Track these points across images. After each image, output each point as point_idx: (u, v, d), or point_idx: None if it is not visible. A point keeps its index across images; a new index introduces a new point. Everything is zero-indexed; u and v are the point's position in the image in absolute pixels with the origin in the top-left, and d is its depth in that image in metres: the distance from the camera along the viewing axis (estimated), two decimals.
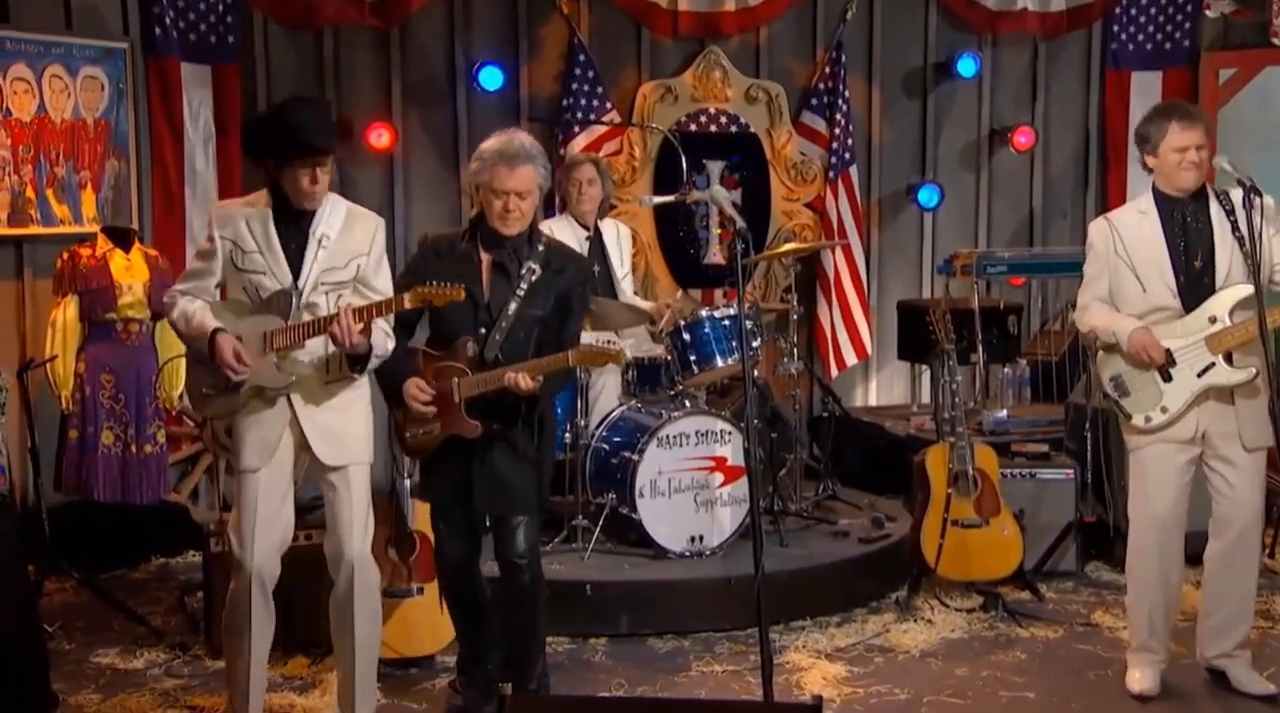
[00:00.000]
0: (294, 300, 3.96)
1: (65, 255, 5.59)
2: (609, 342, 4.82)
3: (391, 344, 4.08)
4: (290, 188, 3.96)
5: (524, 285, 4.05)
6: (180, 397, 5.90)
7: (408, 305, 3.91)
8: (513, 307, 4.04)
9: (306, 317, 3.97)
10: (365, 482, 4.14)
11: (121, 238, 5.70)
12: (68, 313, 5.54)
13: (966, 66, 7.63)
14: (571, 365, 4.01)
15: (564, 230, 5.61)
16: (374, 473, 4.21)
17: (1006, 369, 7.03)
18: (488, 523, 4.27)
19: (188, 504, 6.31)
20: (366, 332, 3.92)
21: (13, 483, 5.50)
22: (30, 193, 5.99)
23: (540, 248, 4.11)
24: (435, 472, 4.20)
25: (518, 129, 4.10)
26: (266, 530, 4.02)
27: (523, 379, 3.94)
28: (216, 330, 3.96)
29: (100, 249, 5.61)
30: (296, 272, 3.99)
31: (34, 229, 6.03)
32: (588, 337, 4.69)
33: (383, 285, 4.11)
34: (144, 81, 6.45)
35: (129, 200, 6.37)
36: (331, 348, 4.00)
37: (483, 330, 4.07)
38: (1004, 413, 6.71)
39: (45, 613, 5.20)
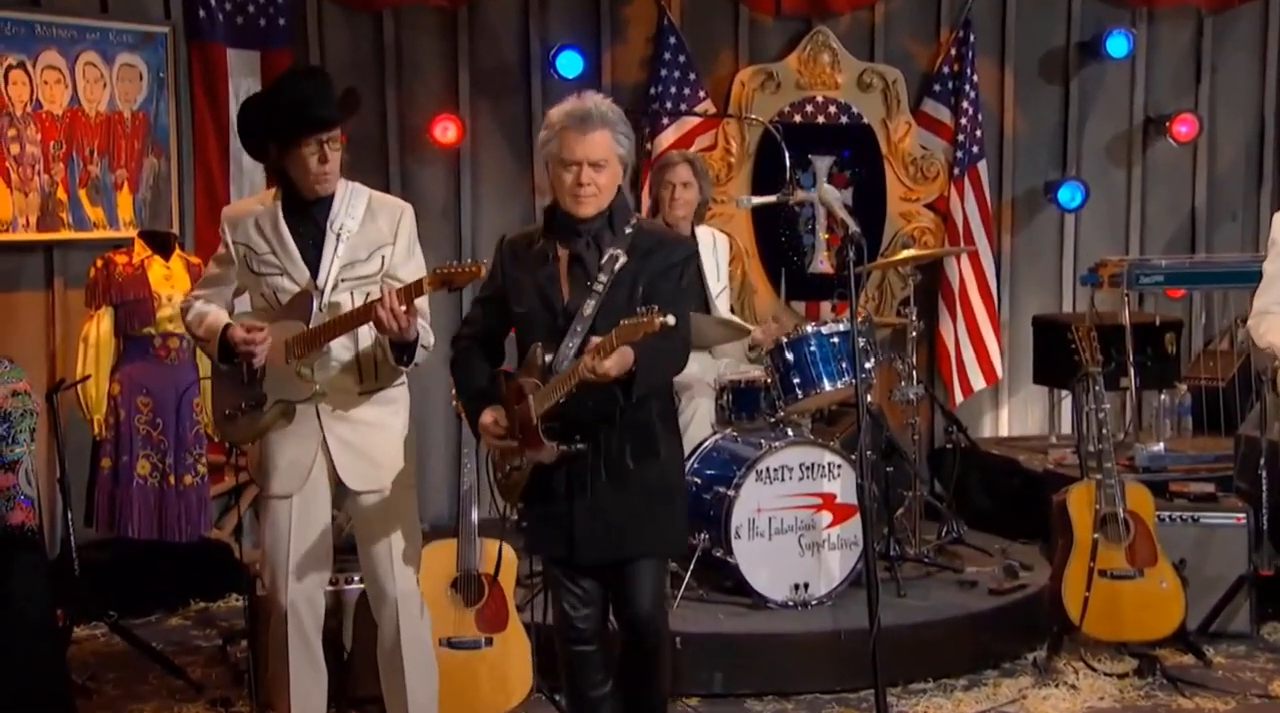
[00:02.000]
0: (314, 302, 4.00)
1: (99, 263, 5.71)
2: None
3: (431, 339, 4.05)
4: (298, 173, 3.98)
5: (604, 277, 3.77)
6: None
7: (425, 288, 3.82)
8: (590, 306, 3.76)
9: (329, 319, 3.99)
10: (405, 508, 4.14)
11: (161, 244, 5.81)
12: (101, 328, 5.65)
13: (1117, 45, 7.53)
14: (616, 343, 3.55)
15: None
16: (435, 505, 4.24)
17: (1163, 395, 6.92)
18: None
19: (231, 542, 6.38)
20: (413, 314, 3.89)
21: (42, 518, 5.62)
22: (61, 194, 6.13)
23: (627, 232, 3.83)
24: (537, 516, 3.94)
25: (593, 93, 3.93)
26: (302, 564, 4.04)
27: (599, 360, 3.56)
28: (228, 325, 4.04)
29: (137, 257, 5.73)
30: (315, 269, 4.02)
31: (65, 234, 6.17)
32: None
33: (414, 276, 4.03)
34: (186, 70, 6.59)
35: (169, 202, 6.50)
36: (364, 346, 4.02)
37: (561, 341, 3.80)
38: (1160, 446, 6.60)
39: (74, 663, 5.28)
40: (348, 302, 4.03)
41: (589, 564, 3.89)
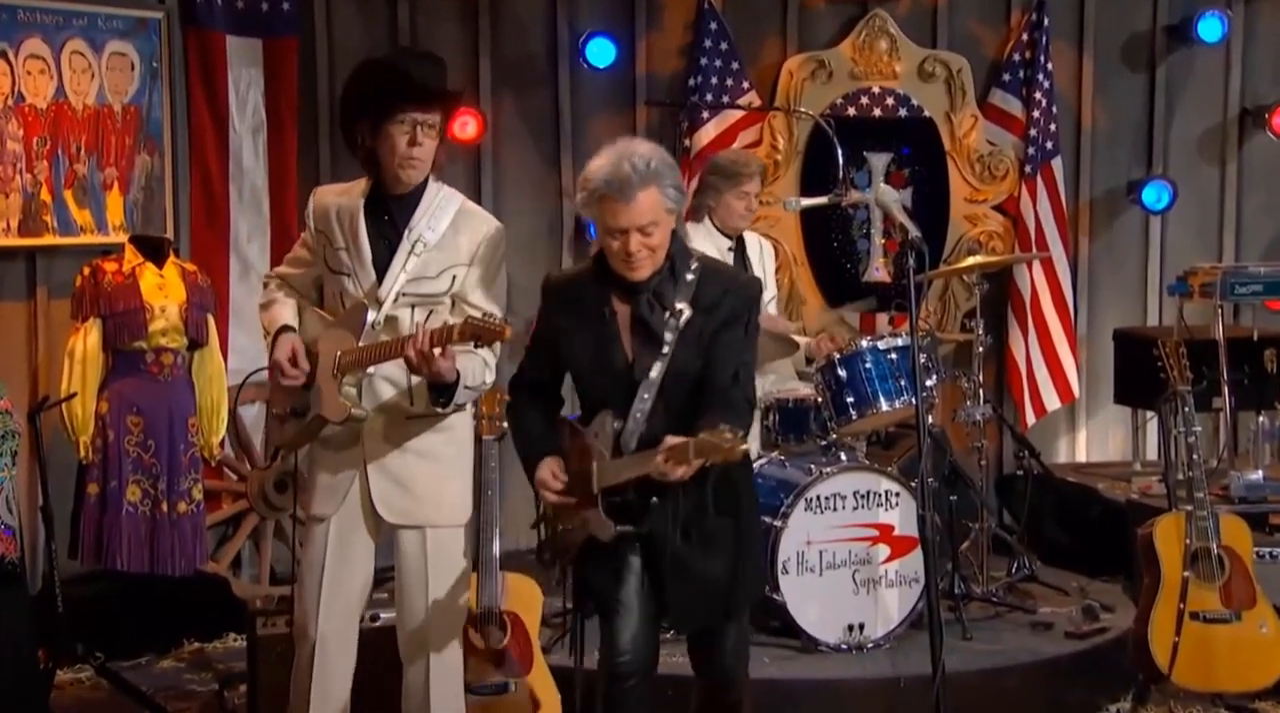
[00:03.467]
0: (369, 314, 3.99)
1: (86, 271, 5.74)
2: None
3: (490, 376, 4.07)
4: (386, 154, 3.97)
5: (670, 337, 3.79)
6: (221, 444, 6.02)
7: (455, 337, 3.81)
8: (655, 370, 3.78)
9: (385, 337, 3.99)
10: (450, 553, 4.12)
11: (153, 250, 5.84)
12: (88, 341, 5.67)
13: (1210, 29, 7.49)
14: (693, 456, 3.55)
15: (701, 240, 5.55)
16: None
17: (1262, 418, 6.84)
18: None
19: (229, 576, 6.42)
20: (447, 356, 3.87)
21: (23, 549, 5.64)
22: (46, 195, 6.15)
23: (689, 277, 3.84)
24: (598, 568, 3.93)
25: (631, 138, 3.87)
26: (337, 591, 4.06)
27: (672, 467, 3.60)
28: (284, 327, 4.07)
29: (128, 263, 5.75)
30: (382, 277, 4.03)
31: (49, 239, 6.19)
32: None
33: (484, 303, 4.06)
34: (182, 59, 6.62)
35: (163, 204, 6.53)
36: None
37: (628, 405, 3.81)
38: (1259, 475, 6.52)
39: (57, 709, 5.27)
40: (407, 319, 4.03)
41: (675, 627, 4.02)
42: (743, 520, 3.94)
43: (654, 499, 3.80)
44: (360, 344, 3.99)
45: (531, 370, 4.05)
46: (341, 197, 4.12)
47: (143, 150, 6.46)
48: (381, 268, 4.03)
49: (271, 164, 6.81)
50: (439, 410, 4.03)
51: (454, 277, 4.06)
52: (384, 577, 4.35)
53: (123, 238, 6.04)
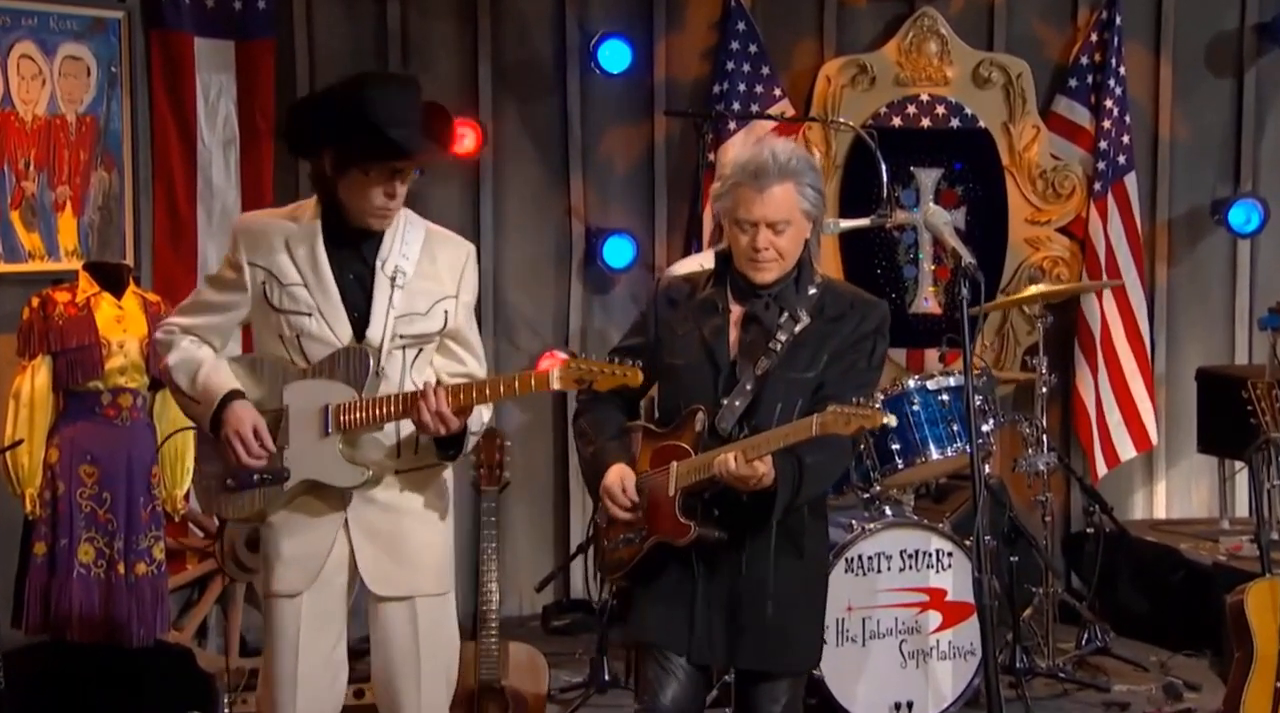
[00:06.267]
0: (371, 361, 3.96)
1: (35, 302, 5.74)
2: None
3: (488, 415, 4.09)
4: (355, 201, 3.95)
5: (784, 337, 4.00)
6: (186, 496, 6.02)
7: (555, 385, 3.84)
8: (763, 365, 3.99)
9: (383, 386, 3.97)
10: (443, 623, 4.11)
11: (111, 278, 5.85)
12: (37, 381, 5.68)
13: None
14: (816, 434, 3.79)
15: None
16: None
17: None
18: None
19: (193, 647, 6.42)
20: (465, 413, 3.92)
21: None
22: None
23: (811, 292, 4.06)
24: (649, 594, 4.08)
25: (774, 135, 4.10)
26: (314, 684, 4.03)
27: (735, 461, 3.82)
28: (233, 393, 3.96)
29: (82, 293, 5.77)
30: (361, 315, 3.99)
31: None
32: None
33: (476, 341, 4.13)
34: (144, 64, 6.65)
35: (122, 227, 6.56)
36: (407, 425, 4.00)
37: (724, 399, 4.00)
38: None
39: None
40: (399, 363, 4.01)
41: (704, 663, 4.08)
42: (804, 571, 4.06)
43: (722, 535, 3.94)
44: (364, 395, 3.95)
45: None
46: (286, 225, 4.02)
47: (99, 166, 6.49)
48: (356, 306, 4.00)
49: (245, 182, 6.84)
50: (446, 461, 4.05)
51: (446, 312, 4.07)
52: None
53: (76, 265, 6.04)
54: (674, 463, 3.97)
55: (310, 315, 3.99)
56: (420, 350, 4.05)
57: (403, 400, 3.92)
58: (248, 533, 6.35)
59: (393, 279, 4.00)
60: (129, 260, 6.41)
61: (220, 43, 6.78)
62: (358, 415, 3.94)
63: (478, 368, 4.17)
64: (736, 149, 4.04)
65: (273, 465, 3.98)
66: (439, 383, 3.99)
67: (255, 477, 4.00)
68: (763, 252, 3.97)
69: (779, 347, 3.99)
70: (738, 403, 3.98)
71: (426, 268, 4.05)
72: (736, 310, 4.07)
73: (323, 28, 7.10)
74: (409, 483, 4.06)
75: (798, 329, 4.00)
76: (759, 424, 3.95)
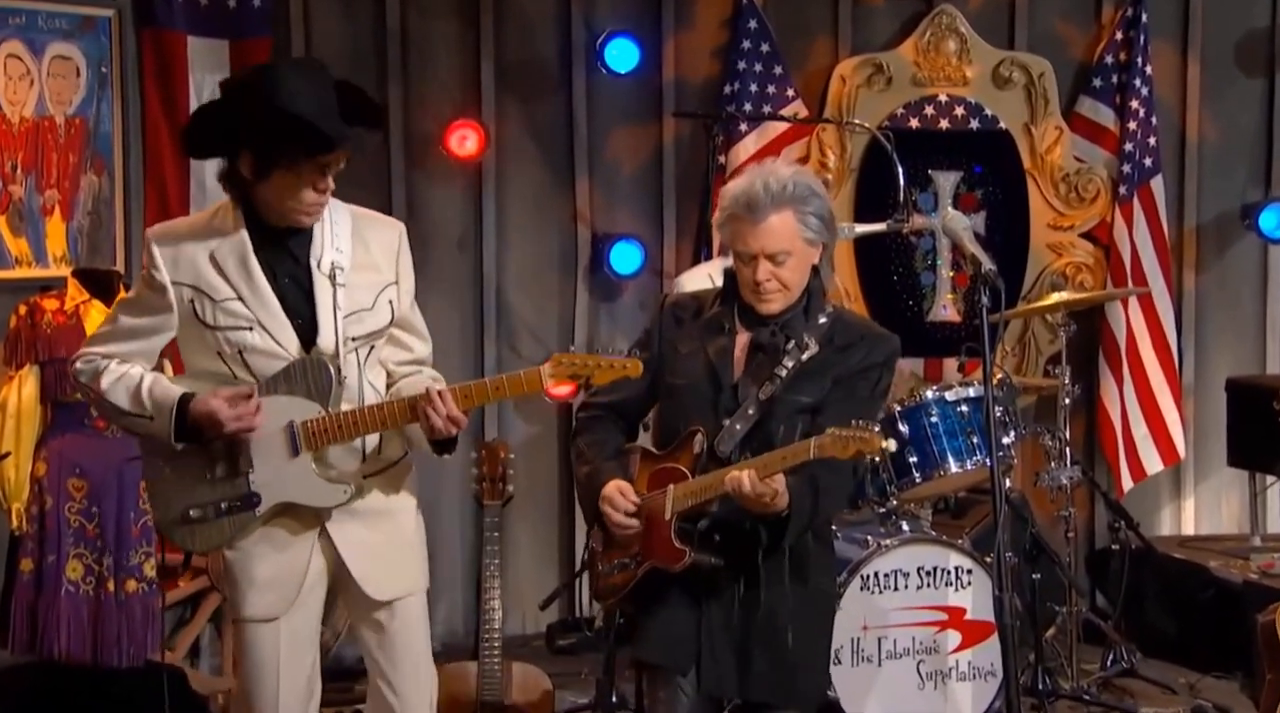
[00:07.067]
0: (332, 371, 3.92)
1: (22, 310, 5.76)
2: None
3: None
4: (281, 201, 3.87)
5: (790, 363, 4.05)
6: None
7: (548, 383, 3.87)
8: (768, 389, 4.04)
9: (344, 396, 3.95)
10: (424, 618, 4.16)
11: (101, 285, 5.86)
12: (24, 392, 5.69)
13: None
14: (814, 457, 3.84)
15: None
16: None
17: None
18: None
19: (185, 667, 6.43)
20: (469, 410, 3.95)
21: None
22: None
23: (821, 320, 4.12)
24: (653, 617, 4.11)
25: (777, 161, 4.15)
26: (294, 707, 4.03)
27: (747, 479, 3.84)
28: (186, 396, 3.87)
29: (72, 301, 5.78)
30: (305, 321, 3.94)
31: None
32: None
33: (421, 324, 4.13)
34: (136, 64, 6.67)
35: (112, 232, 6.57)
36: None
37: (725, 421, 4.05)
38: None
39: None
40: (354, 368, 3.99)
41: (711, 690, 4.11)
42: (807, 600, 4.11)
43: (718, 561, 4.00)
44: (333, 410, 3.92)
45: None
46: (206, 237, 3.94)
47: (89, 169, 6.51)
48: (298, 312, 3.94)
49: None
50: (445, 455, 4.07)
51: (390, 302, 4.03)
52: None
53: (65, 271, 6.06)
54: (671, 486, 4.01)
55: (250, 329, 3.92)
56: (371, 348, 4.03)
57: (401, 410, 3.90)
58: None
59: (331, 277, 3.94)
60: (119, 267, 6.41)
61: (214, 42, 6.78)
62: (330, 430, 3.91)
63: (425, 351, 4.18)
64: (736, 179, 4.05)
65: (238, 492, 3.94)
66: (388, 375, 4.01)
67: (223, 505, 3.95)
68: (764, 283, 4.03)
69: (784, 372, 4.04)
70: (739, 426, 4.02)
71: (361, 257, 4.00)
72: (744, 335, 4.13)
73: (320, 26, 7.09)
74: (380, 486, 4.07)
75: (805, 357, 4.05)
76: (760, 448, 3.98)
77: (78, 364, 4.02)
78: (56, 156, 6.39)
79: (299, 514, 3.99)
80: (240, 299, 3.91)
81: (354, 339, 3.97)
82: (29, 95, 6.30)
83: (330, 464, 3.98)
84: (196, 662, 6.66)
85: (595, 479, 4.12)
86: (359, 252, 4.00)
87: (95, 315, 5.75)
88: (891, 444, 3.79)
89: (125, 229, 6.61)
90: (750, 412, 4.03)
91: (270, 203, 3.89)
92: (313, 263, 3.95)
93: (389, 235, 4.08)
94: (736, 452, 4.01)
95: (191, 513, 3.97)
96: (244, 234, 3.92)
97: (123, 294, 5.61)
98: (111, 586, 5.73)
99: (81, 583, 5.71)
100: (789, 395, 4.04)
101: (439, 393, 3.87)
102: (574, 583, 7.06)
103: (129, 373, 3.97)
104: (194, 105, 6.66)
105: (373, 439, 4.03)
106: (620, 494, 4.07)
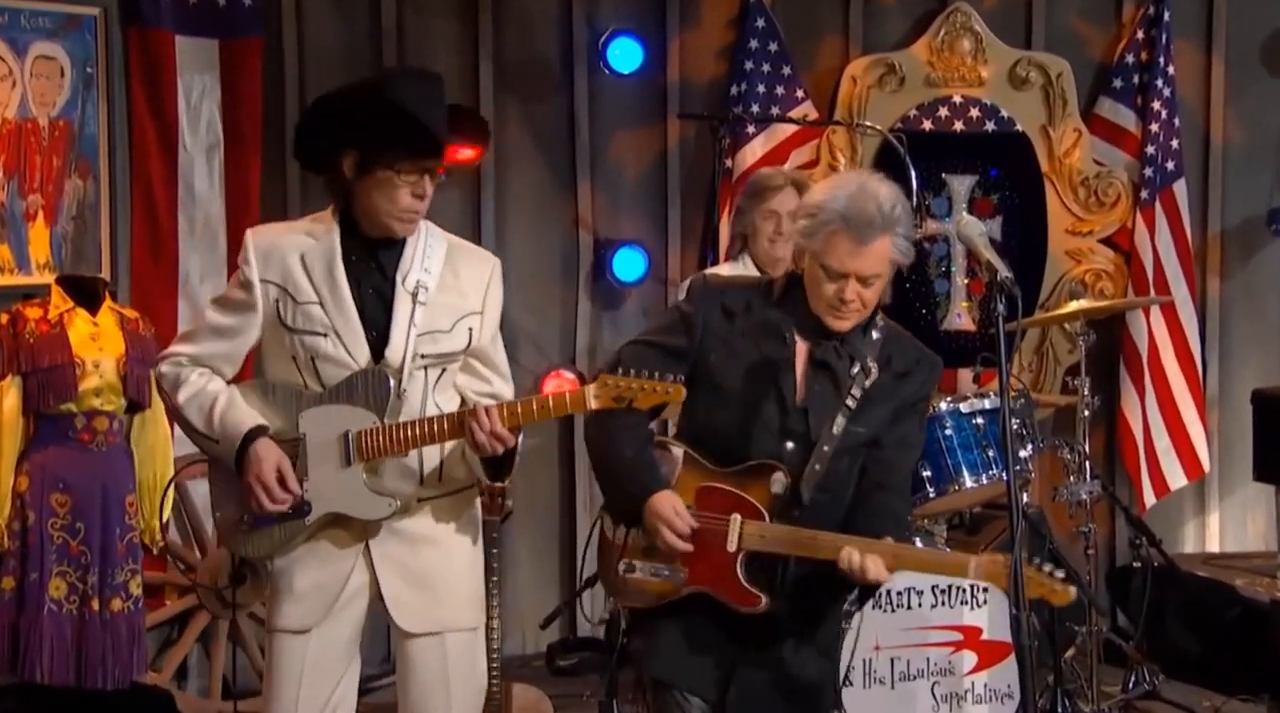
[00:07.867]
0: (391, 383, 3.95)
1: (4, 319, 5.76)
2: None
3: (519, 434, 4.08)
4: (379, 203, 3.94)
5: (857, 392, 4.02)
6: (165, 527, 6.02)
7: (592, 405, 3.87)
8: (840, 424, 4.01)
9: (404, 411, 3.97)
10: (473, 661, 4.14)
11: (86, 293, 5.86)
12: (5, 404, 5.69)
13: None
14: (973, 579, 4.04)
15: None
16: None
17: None
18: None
19: (172, 689, 6.42)
20: (516, 431, 3.94)
21: None
22: None
23: (874, 335, 4.11)
24: (677, 634, 4.10)
25: (872, 173, 4.08)
26: None
27: (874, 568, 3.85)
28: (256, 429, 3.94)
29: (55, 309, 5.78)
30: (380, 334, 3.99)
31: None
32: None
33: (503, 361, 4.15)
34: (122, 64, 6.66)
35: (97, 238, 6.56)
36: (431, 453, 4.03)
37: (789, 444, 4.01)
38: None
39: None
40: (421, 387, 4.02)
41: None
42: (830, 617, 4.20)
43: (777, 600, 3.99)
44: (387, 421, 3.95)
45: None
46: (301, 238, 4.04)
47: (74, 173, 6.50)
48: (374, 324, 4.00)
49: (229, 190, 6.84)
50: (499, 484, 4.15)
51: (470, 330, 4.07)
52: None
53: (49, 279, 6.07)
54: (738, 517, 3.97)
55: (325, 335, 3.99)
56: (443, 371, 4.07)
57: (450, 426, 3.93)
58: (231, 567, 6.35)
59: (414, 295, 4.00)
60: (105, 274, 6.42)
61: (203, 41, 6.78)
62: (381, 442, 3.94)
63: (505, 389, 4.20)
64: (830, 190, 3.97)
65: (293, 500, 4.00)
66: (463, 402, 4.05)
67: (246, 515, 4.01)
68: (849, 303, 3.98)
69: (852, 400, 4.02)
70: (818, 467, 3.99)
71: (449, 282, 4.06)
72: (803, 347, 4.06)
73: (313, 25, 7.11)
74: (435, 512, 4.09)
75: (868, 384, 4.03)
76: (833, 486, 4.01)
77: (163, 366, 4.11)
78: (40, 160, 6.39)
79: (346, 528, 4.03)
80: (320, 304, 3.99)
81: (424, 356, 4.01)
82: (11, 97, 6.30)
83: (384, 478, 4.01)
84: (184, 683, 6.66)
85: (638, 478, 4.04)
86: (448, 276, 4.06)
87: (80, 324, 5.76)
88: (1072, 593, 3.86)
89: (111, 235, 6.61)
90: (825, 450, 3.99)
91: (369, 206, 3.97)
92: (399, 278, 4.02)
93: (482, 267, 4.14)
94: (815, 498, 4.00)
95: (244, 519, 4.03)
96: (336, 241, 4.01)
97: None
98: (96, 604, 5.73)
99: (65, 602, 5.71)
100: (853, 427, 4.02)
101: (485, 409, 3.89)
102: (575, 602, 7.04)
103: (206, 390, 4.03)
104: (182, 107, 6.70)
105: (432, 461, 4.05)
106: (675, 514, 3.98)
